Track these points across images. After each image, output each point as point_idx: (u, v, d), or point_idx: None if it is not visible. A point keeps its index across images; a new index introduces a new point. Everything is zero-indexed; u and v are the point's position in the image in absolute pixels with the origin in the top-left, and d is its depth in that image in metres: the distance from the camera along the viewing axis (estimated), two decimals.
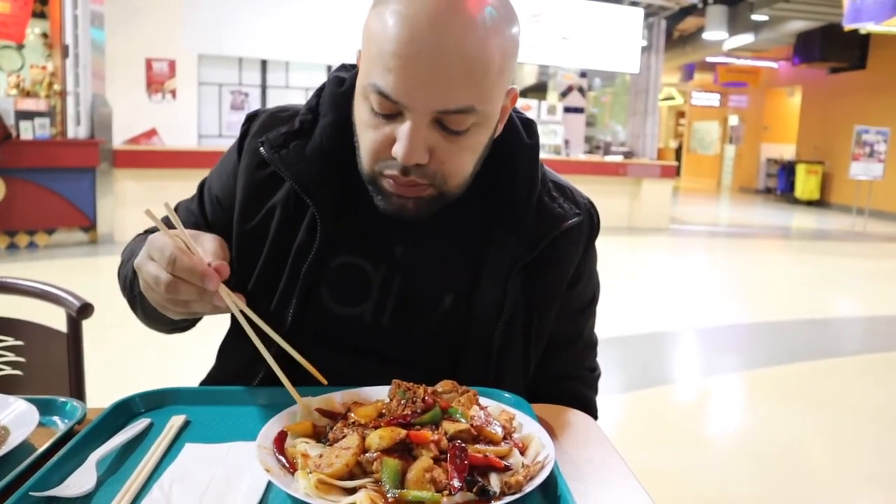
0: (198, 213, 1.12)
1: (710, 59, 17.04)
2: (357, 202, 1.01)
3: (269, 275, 1.02)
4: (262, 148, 1.01)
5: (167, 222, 0.93)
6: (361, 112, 0.92)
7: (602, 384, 1.20)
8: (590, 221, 1.10)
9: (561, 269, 1.06)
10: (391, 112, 0.87)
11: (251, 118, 1.08)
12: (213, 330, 1.26)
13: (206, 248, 0.87)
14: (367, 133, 0.91)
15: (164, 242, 0.84)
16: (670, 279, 7.27)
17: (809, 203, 15.34)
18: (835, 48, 13.80)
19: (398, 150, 0.87)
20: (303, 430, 0.81)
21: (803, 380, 4.15)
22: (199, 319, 1.07)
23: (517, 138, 1.05)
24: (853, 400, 3.84)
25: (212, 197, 1.11)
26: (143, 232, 1.18)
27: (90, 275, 6.20)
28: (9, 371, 1.38)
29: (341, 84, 1.04)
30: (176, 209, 1.17)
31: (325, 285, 1.02)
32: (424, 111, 0.85)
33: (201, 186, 1.15)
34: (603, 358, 1.20)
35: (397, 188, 0.91)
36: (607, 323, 1.20)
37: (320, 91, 1.06)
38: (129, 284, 1.05)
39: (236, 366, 1.05)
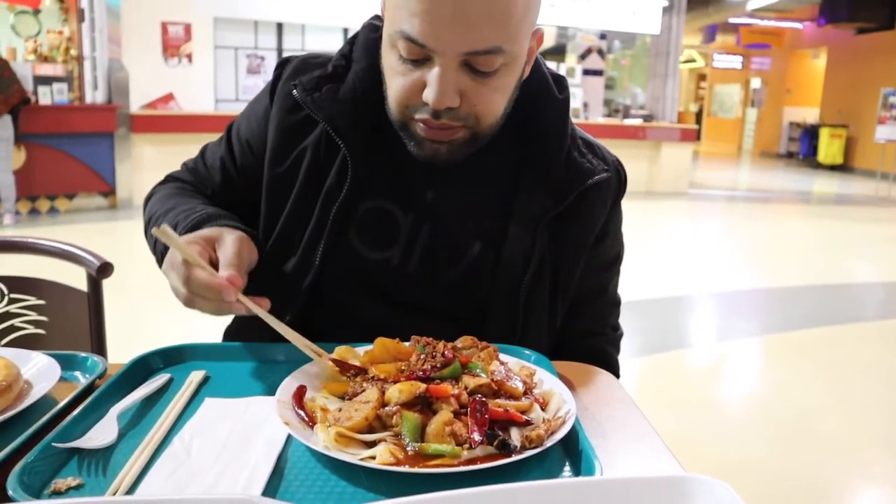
0: (226, 156, 1.13)
1: (732, 20, 16.67)
2: (388, 148, 1.01)
3: (298, 216, 1.03)
4: (295, 91, 1.01)
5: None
6: (389, 60, 0.92)
7: (621, 346, 1.19)
8: (618, 178, 1.09)
9: (589, 223, 1.06)
10: (419, 57, 0.87)
11: (283, 63, 1.09)
12: None
13: (226, 254, 0.87)
14: (395, 79, 0.91)
15: (180, 259, 0.84)
16: (689, 244, 7.21)
17: (832, 168, 15.08)
18: (862, 8, 13.42)
19: (429, 95, 0.87)
20: (339, 391, 0.80)
21: (819, 345, 4.11)
22: None
23: (548, 92, 1.04)
24: (868, 365, 3.81)
25: (241, 140, 1.12)
26: (162, 180, 1.18)
27: (110, 238, 6.25)
28: (31, 329, 1.40)
29: (375, 30, 1.03)
30: (203, 151, 1.18)
31: (353, 229, 1.02)
32: (452, 54, 0.85)
33: (229, 130, 1.15)
34: (621, 321, 1.19)
35: (429, 132, 0.91)
36: (625, 286, 1.19)
37: (354, 38, 1.06)
38: (155, 246, 1.06)
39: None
